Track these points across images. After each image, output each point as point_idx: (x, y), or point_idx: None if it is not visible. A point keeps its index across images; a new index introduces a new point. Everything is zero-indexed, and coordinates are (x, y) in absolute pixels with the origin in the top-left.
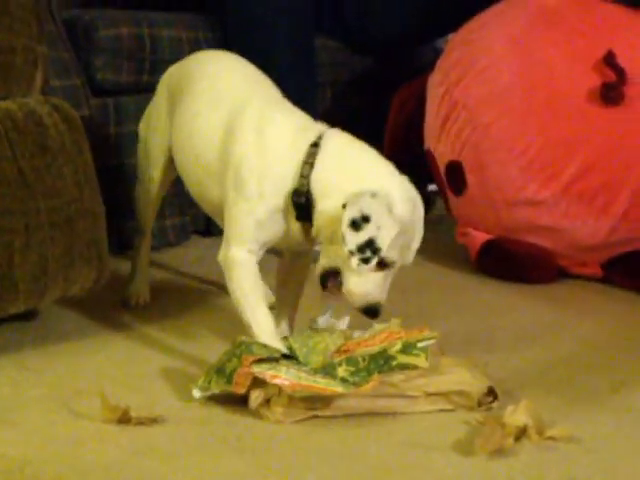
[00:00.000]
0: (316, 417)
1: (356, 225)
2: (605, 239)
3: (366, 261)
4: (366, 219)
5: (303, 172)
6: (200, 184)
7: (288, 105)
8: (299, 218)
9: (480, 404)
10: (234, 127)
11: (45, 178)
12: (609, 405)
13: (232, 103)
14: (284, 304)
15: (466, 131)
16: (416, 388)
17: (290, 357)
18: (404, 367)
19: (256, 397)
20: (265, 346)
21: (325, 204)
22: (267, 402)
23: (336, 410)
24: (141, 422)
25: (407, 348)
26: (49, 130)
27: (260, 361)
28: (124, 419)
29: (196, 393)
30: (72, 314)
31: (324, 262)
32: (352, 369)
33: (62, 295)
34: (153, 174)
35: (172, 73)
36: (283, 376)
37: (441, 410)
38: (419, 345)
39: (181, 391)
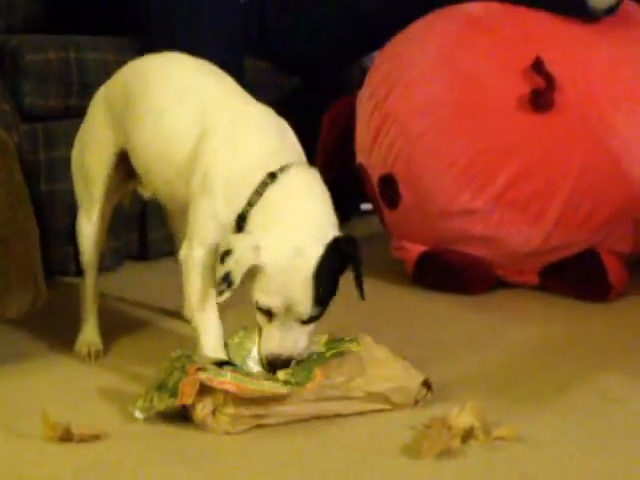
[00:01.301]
0: (260, 426)
1: (222, 259)
2: (540, 246)
3: (220, 293)
4: (228, 253)
5: (251, 200)
6: (169, 183)
7: (262, 114)
8: None
9: (416, 401)
10: (207, 128)
11: None
12: (553, 404)
13: (203, 98)
14: None
15: (398, 143)
16: (357, 388)
17: (231, 364)
18: (339, 354)
19: (202, 408)
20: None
21: None
22: (212, 413)
23: (280, 417)
24: (83, 439)
25: (333, 343)
26: None
27: (204, 369)
28: (66, 436)
29: (138, 414)
30: (9, 338)
31: None
32: (290, 371)
33: None
34: (95, 195)
35: (110, 85)
36: (230, 380)
37: (386, 414)
38: (346, 339)
39: (122, 408)
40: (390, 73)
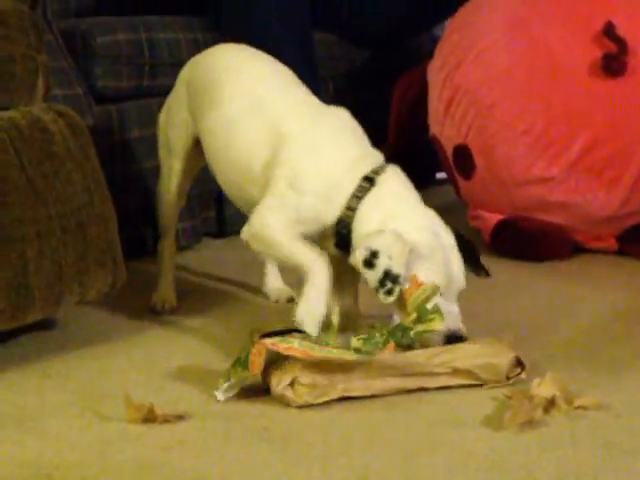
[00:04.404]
0: (342, 399)
1: (369, 264)
2: (617, 211)
3: (390, 292)
4: (375, 254)
5: (351, 204)
6: (240, 189)
7: (338, 120)
8: (338, 246)
9: (509, 377)
10: (284, 138)
11: (54, 184)
12: (635, 372)
13: (274, 110)
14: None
15: (470, 114)
16: (442, 365)
17: (301, 332)
18: (422, 333)
19: (277, 382)
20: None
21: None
22: (290, 386)
23: (363, 391)
24: (167, 419)
25: (421, 314)
26: (54, 137)
27: (272, 335)
28: (150, 418)
29: (218, 395)
30: (91, 320)
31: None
32: (364, 337)
33: (79, 301)
34: (174, 165)
35: (192, 68)
36: (296, 347)
37: (468, 387)
38: (429, 306)
39: (204, 388)
40: (460, 43)
